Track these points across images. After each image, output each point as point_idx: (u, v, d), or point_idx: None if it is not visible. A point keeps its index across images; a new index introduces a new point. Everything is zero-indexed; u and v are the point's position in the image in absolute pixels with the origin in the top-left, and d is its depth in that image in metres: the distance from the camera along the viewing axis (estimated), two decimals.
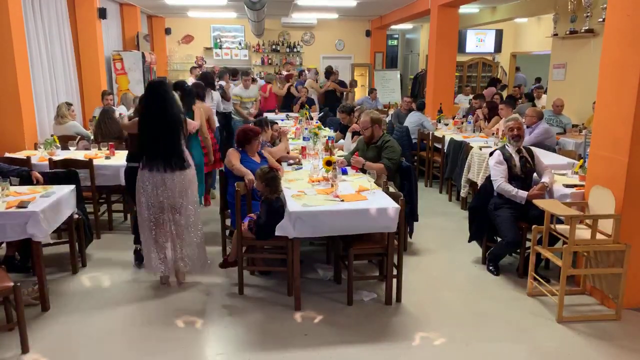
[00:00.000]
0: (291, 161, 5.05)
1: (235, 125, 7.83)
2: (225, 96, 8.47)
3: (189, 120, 4.56)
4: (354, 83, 12.27)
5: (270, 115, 8.75)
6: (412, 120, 7.66)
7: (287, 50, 14.76)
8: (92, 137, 6.29)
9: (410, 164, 4.94)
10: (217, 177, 5.46)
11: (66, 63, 8.00)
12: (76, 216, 4.25)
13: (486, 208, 4.37)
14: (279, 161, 4.88)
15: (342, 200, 3.68)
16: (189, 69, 12.21)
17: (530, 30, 13.50)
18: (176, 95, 4.04)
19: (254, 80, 9.33)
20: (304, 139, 6.36)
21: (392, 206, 3.57)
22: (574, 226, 3.53)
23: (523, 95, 10.28)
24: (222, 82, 9.32)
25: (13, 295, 3.02)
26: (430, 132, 7.31)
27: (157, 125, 3.78)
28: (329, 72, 10.96)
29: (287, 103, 10.10)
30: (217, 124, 6.32)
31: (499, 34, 14.50)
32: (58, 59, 7.72)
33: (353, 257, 3.73)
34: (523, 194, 4.16)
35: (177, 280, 4.13)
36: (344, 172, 4.48)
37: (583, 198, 4.05)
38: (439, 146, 7.03)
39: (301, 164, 5.00)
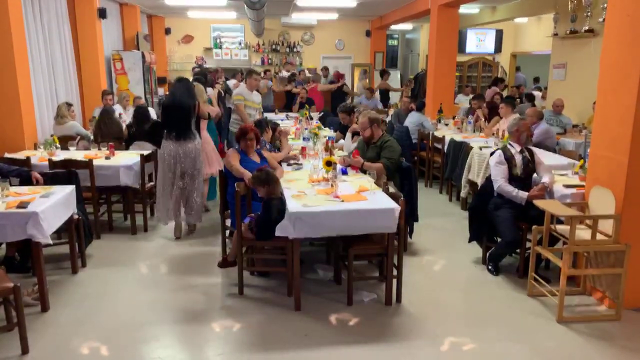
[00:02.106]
0: (292, 161, 5.04)
1: (231, 138, 6.79)
2: (229, 92, 9.01)
3: (210, 107, 5.86)
4: (409, 83, 12.20)
5: (269, 116, 8.76)
6: (411, 120, 7.66)
7: (287, 50, 14.76)
8: (92, 137, 6.29)
9: (410, 164, 4.94)
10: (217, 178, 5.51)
11: (66, 63, 7.99)
12: (76, 216, 4.24)
13: (486, 208, 4.36)
14: (280, 162, 4.88)
15: (342, 201, 3.68)
16: (189, 69, 12.25)
17: (530, 30, 13.50)
18: (195, 89, 5.26)
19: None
20: (304, 139, 6.35)
21: (392, 206, 3.57)
22: (574, 226, 3.53)
23: (523, 96, 10.24)
24: (232, 81, 9.50)
25: (13, 295, 3.02)
26: (430, 132, 7.31)
27: (171, 109, 5.02)
28: (384, 72, 11.23)
29: (337, 102, 10.25)
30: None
31: (499, 34, 14.50)
32: (58, 59, 7.71)
33: (353, 258, 3.73)
34: (523, 194, 4.16)
35: (187, 228, 5.31)
36: (344, 172, 4.48)
37: (583, 198, 4.04)
38: (439, 146, 7.03)
39: (301, 163, 4.99)
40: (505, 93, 10.80)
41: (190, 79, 6.08)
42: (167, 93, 5.38)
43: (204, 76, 7.27)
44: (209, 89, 7.80)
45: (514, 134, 4.42)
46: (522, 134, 4.38)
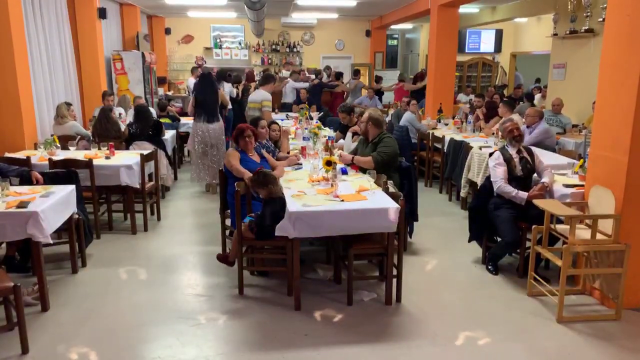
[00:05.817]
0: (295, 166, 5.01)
1: None
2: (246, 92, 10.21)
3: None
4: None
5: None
6: (403, 120, 7.69)
7: (287, 50, 14.76)
8: (92, 137, 6.29)
9: (410, 164, 4.94)
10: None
11: (66, 63, 7.99)
12: (76, 216, 4.24)
13: (486, 208, 4.37)
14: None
15: (342, 200, 3.68)
16: (189, 69, 12.24)
17: (530, 30, 13.50)
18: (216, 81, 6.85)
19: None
20: (304, 139, 6.35)
21: (392, 206, 3.57)
22: (574, 226, 3.53)
23: (523, 96, 10.26)
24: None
25: (13, 295, 3.02)
26: (430, 132, 7.31)
27: (201, 98, 6.61)
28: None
29: (419, 100, 10.48)
30: (230, 106, 8.09)
31: (499, 34, 14.50)
32: (58, 59, 7.71)
33: (353, 257, 3.73)
34: (523, 195, 4.16)
35: (209, 191, 6.88)
36: (344, 172, 4.48)
37: (583, 198, 4.04)
38: (439, 146, 7.03)
39: (301, 163, 4.98)
40: (505, 93, 10.83)
41: (190, 79, 7.18)
42: (197, 86, 6.90)
43: (223, 74, 8.73)
44: (227, 85, 8.63)
45: (502, 135, 4.51)
46: (504, 132, 4.47)
